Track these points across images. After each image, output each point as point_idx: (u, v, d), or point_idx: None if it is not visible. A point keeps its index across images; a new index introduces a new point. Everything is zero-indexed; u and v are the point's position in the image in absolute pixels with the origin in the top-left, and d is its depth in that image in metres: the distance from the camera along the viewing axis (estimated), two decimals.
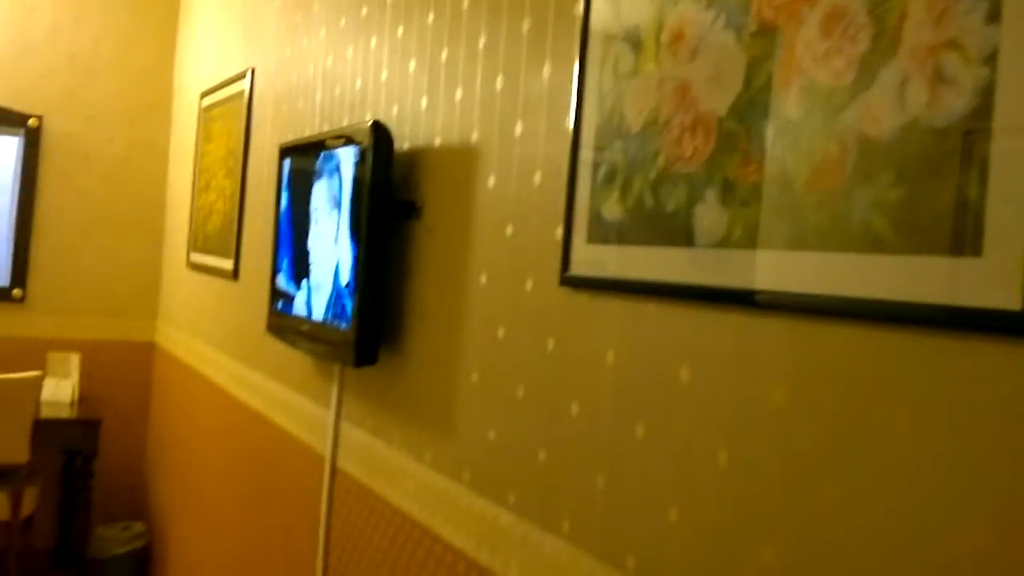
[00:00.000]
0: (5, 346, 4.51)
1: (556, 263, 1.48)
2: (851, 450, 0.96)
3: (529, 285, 1.56)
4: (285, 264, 2.51)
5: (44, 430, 4.01)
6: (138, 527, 4.44)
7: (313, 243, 2.30)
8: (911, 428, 0.89)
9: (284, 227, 2.54)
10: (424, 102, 2.00)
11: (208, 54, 4.18)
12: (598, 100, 1.39)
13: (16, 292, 4.58)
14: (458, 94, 1.85)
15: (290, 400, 2.71)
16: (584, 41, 1.43)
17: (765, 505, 1.06)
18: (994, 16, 0.83)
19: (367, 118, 2.28)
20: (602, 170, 1.37)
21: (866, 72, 0.95)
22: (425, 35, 2.01)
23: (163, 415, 4.57)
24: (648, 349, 1.27)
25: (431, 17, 1.99)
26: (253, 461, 3.06)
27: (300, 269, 2.38)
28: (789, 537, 1.03)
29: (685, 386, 1.20)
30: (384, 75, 2.21)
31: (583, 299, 1.42)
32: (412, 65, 2.06)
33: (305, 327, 2.30)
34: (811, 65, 1.02)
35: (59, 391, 4.41)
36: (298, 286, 2.39)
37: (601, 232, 1.37)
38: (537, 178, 1.56)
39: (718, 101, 1.15)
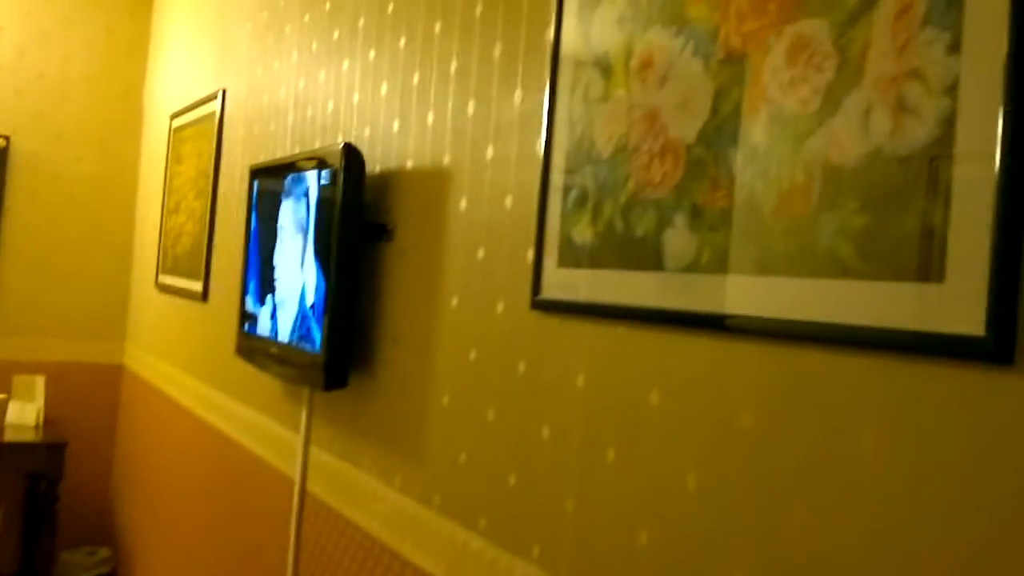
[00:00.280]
0: None
1: (527, 286, 1.48)
2: (819, 474, 0.96)
3: (500, 308, 1.56)
4: (254, 286, 2.50)
5: (8, 454, 3.93)
6: (104, 552, 4.36)
7: (280, 265, 2.29)
8: (878, 452, 0.90)
9: (254, 249, 2.53)
10: (396, 125, 2.00)
11: (179, 74, 4.17)
12: (568, 125, 1.40)
13: None
14: (430, 117, 1.86)
15: (259, 423, 2.69)
16: (555, 67, 1.45)
17: (735, 528, 1.06)
18: (955, 47, 0.84)
19: (339, 140, 2.28)
20: (573, 194, 1.38)
21: (831, 100, 0.96)
22: (397, 59, 2.02)
23: (130, 438, 4.50)
24: (618, 373, 1.27)
25: (403, 41, 1.99)
26: (222, 485, 3.02)
27: (267, 291, 2.36)
28: (759, 560, 1.03)
29: (655, 410, 1.20)
30: (356, 98, 2.21)
31: (554, 322, 1.42)
32: (384, 88, 2.07)
33: (274, 350, 2.28)
34: (777, 93, 1.03)
35: (24, 414, 4.34)
36: (265, 308, 2.37)
37: (572, 256, 1.37)
38: (508, 202, 1.56)
39: (686, 128, 1.16)
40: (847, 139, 0.94)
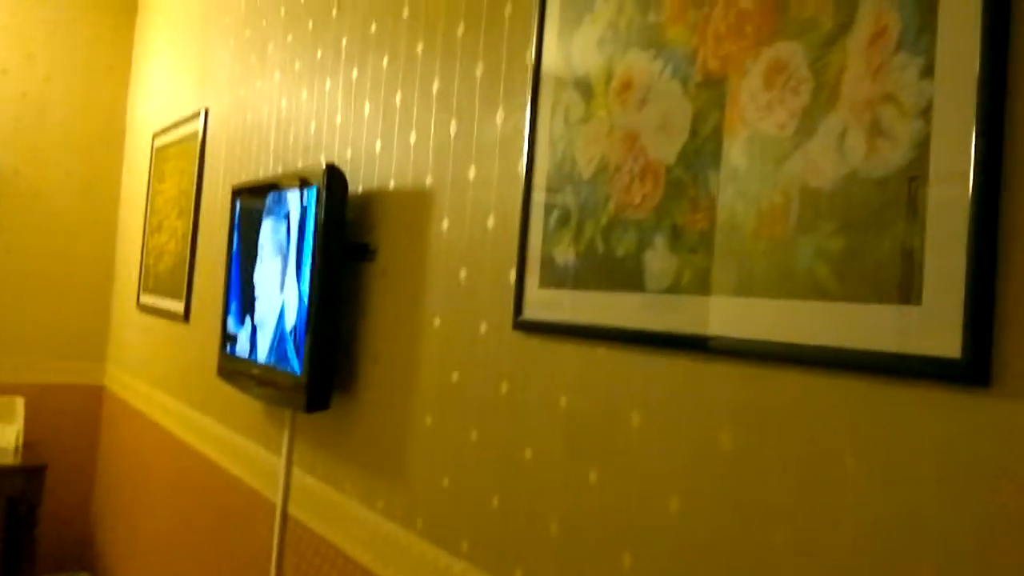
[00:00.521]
0: None
1: (509, 307, 1.48)
2: (800, 496, 0.96)
3: (483, 329, 1.56)
4: (236, 307, 2.48)
5: None
6: None
7: (260, 285, 2.28)
8: (858, 474, 0.90)
9: (235, 269, 2.52)
10: (378, 145, 2.00)
11: (162, 93, 4.16)
12: (550, 146, 1.41)
13: None
14: (412, 138, 1.86)
15: (241, 446, 2.66)
16: (536, 87, 1.45)
17: (718, 550, 1.06)
18: (928, 71, 0.85)
19: (321, 160, 2.27)
20: (554, 215, 1.38)
21: (807, 123, 0.97)
22: (379, 79, 2.02)
23: (111, 461, 4.46)
24: (600, 394, 1.27)
25: (385, 61, 2.00)
26: (203, 508, 2.99)
27: (248, 312, 2.35)
28: None
29: (637, 431, 1.20)
30: (338, 118, 2.21)
31: (536, 343, 1.42)
32: (367, 108, 2.07)
33: (255, 371, 2.27)
34: (755, 116, 1.04)
35: (2, 437, 4.29)
36: (246, 329, 2.36)
37: (553, 276, 1.37)
38: (490, 222, 1.56)
39: (666, 149, 1.17)
40: (824, 162, 0.95)
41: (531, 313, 1.42)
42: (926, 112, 0.85)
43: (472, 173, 1.63)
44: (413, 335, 1.78)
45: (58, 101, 4.68)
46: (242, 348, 2.37)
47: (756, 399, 1.03)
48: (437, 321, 1.70)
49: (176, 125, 3.75)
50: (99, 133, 4.79)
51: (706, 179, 1.10)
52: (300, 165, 2.41)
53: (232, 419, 2.75)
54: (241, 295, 2.44)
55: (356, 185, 2.06)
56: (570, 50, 1.39)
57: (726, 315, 1.06)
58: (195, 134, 3.43)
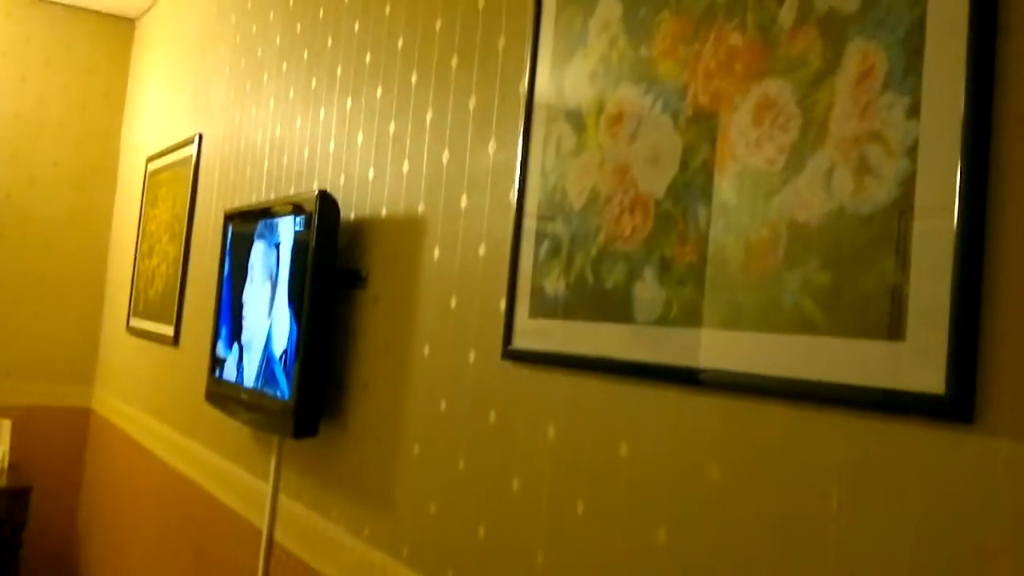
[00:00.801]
0: None
1: (499, 336, 1.48)
2: (786, 530, 0.96)
3: (472, 357, 1.56)
4: (225, 331, 2.48)
5: None
6: None
7: (248, 309, 2.28)
8: (843, 510, 0.91)
9: (226, 294, 2.52)
10: (371, 173, 2.01)
11: (156, 119, 4.17)
12: (541, 177, 1.42)
13: None
14: (405, 166, 1.87)
15: (228, 471, 2.65)
16: (528, 119, 1.47)
17: None
18: (914, 111, 0.87)
19: (314, 187, 2.28)
20: (545, 245, 1.39)
21: (796, 160, 0.98)
22: (373, 108, 2.04)
23: (97, 484, 4.42)
24: (588, 424, 1.27)
25: (379, 91, 2.02)
26: (189, 533, 2.96)
27: (237, 336, 2.35)
28: None
29: (625, 462, 1.20)
30: (332, 146, 2.23)
31: (525, 372, 1.42)
32: (360, 137, 2.08)
33: (243, 396, 2.26)
34: (744, 151, 1.05)
35: None
36: (234, 354, 2.35)
37: (543, 306, 1.38)
38: (481, 251, 1.57)
39: (656, 182, 1.18)
40: (811, 197, 0.96)
41: (520, 342, 1.42)
42: (912, 151, 0.86)
43: (464, 202, 1.64)
44: (403, 362, 1.78)
45: (52, 124, 4.69)
46: (230, 373, 2.36)
47: (744, 432, 1.03)
48: (427, 349, 1.71)
49: (170, 150, 3.76)
50: (92, 157, 4.80)
51: (695, 212, 1.11)
52: (293, 191, 2.42)
53: (219, 444, 2.74)
54: (231, 319, 2.44)
55: (348, 212, 2.07)
56: (562, 83, 1.40)
57: (714, 348, 1.07)
58: (189, 159, 3.44)
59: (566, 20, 1.41)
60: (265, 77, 2.76)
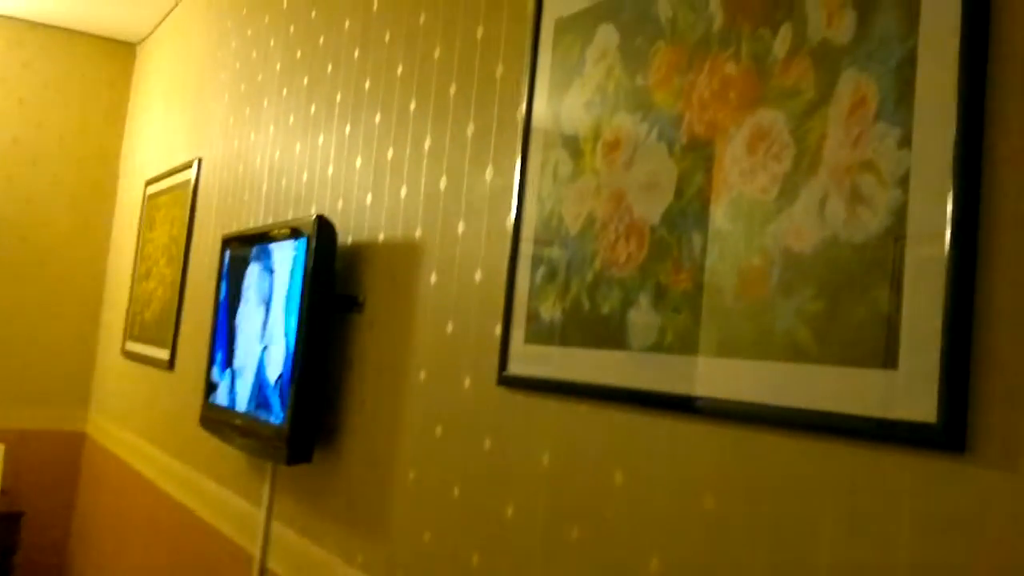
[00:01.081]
0: None
1: (494, 362, 1.48)
2: (778, 561, 0.96)
3: (467, 383, 1.56)
4: (221, 356, 2.48)
5: None
6: None
7: (242, 333, 2.28)
8: (836, 540, 0.90)
9: (222, 318, 2.52)
10: (369, 198, 2.02)
11: (155, 143, 4.19)
12: (538, 202, 1.43)
13: None
14: (403, 192, 1.88)
15: (221, 497, 2.64)
16: (525, 146, 1.48)
17: None
18: (906, 141, 0.88)
19: (312, 211, 2.29)
20: (540, 271, 1.39)
21: (789, 188, 0.99)
22: (372, 134, 2.05)
23: (90, 509, 4.39)
24: (583, 451, 1.27)
25: (378, 117, 2.03)
26: (181, 559, 2.94)
27: (232, 360, 2.34)
28: None
29: (619, 489, 1.20)
30: (330, 170, 2.24)
31: (520, 399, 1.42)
32: (358, 162, 2.10)
33: (238, 421, 2.26)
34: (738, 180, 1.06)
35: None
36: (229, 378, 2.35)
37: (539, 332, 1.38)
38: (478, 276, 1.58)
39: (651, 209, 1.19)
40: (805, 226, 0.97)
41: (516, 368, 1.43)
42: (904, 181, 0.87)
43: (461, 227, 1.65)
44: (398, 388, 1.78)
45: (50, 147, 4.71)
46: (226, 397, 2.36)
47: (736, 461, 1.03)
48: (422, 374, 1.71)
49: (169, 174, 3.77)
50: (91, 180, 4.81)
51: (690, 240, 1.12)
52: (291, 215, 2.43)
53: (213, 470, 2.73)
54: (227, 344, 2.44)
55: (346, 237, 2.07)
56: (559, 110, 1.41)
57: (709, 375, 1.07)
58: (187, 183, 3.46)
59: (563, 49, 1.42)
60: (265, 102, 2.78)
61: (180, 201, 3.53)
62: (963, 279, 0.81)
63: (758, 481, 1.00)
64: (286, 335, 2.01)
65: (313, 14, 2.50)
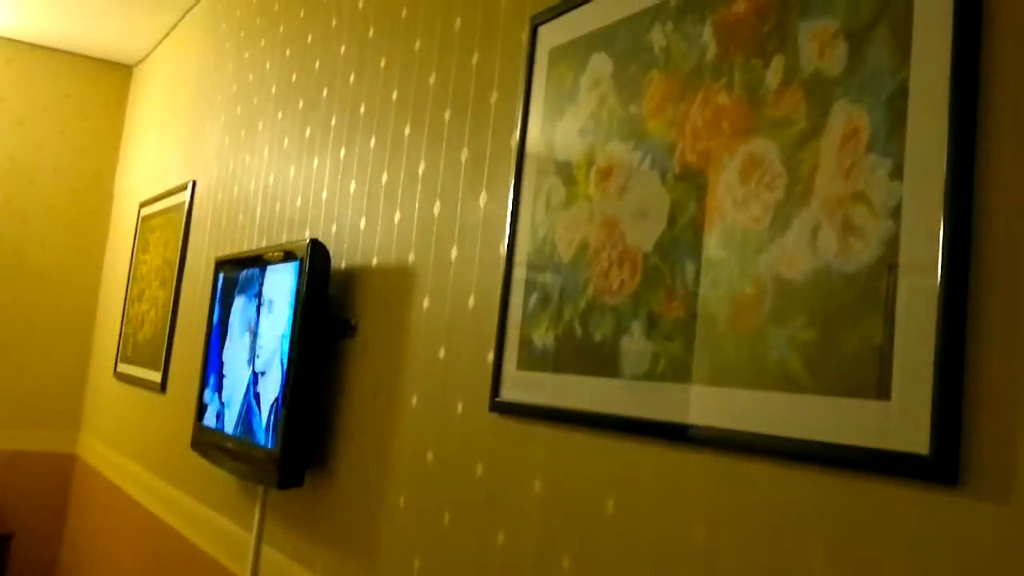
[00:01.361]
0: None
1: (487, 387, 1.48)
2: None
3: (459, 409, 1.56)
4: (213, 379, 2.47)
5: None
6: None
7: (230, 356, 2.27)
8: (827, 569, 0.90)
9: (215, 341, 2.51)
10: (363, 223, 2.02)
11: (150, 165, 4.20)
12: (531, 229, 1.43)
13: None
14: (396, 216, 1.88)
15: (211, 520, 2.61)
16: (519, 172, 1.48)
17: None
18: (897, 172, 0.88)
19: (306, 235, 2.29)
20: (534, 297, 1.39)
21: (781, 218, 0.99)
22: (367, 159, 2.05)
23: (79, 531, 4.35)
24: (575, 479, 1.27)
25: (373, 142, 2.03)
26: None
27: (223, 383, 2.33)
28: None
29: (611, 518, 1.19)
30: (325, 194, 2.24)
31: (512, 425, 1.41)
32: (353, 186, 2.10)
33: (229, 444, 2.24)
34: (731, 208, 1.06)
35: None
36: (221, 401, 2.34)
37: (531, 359, 1.38)
38: (471, 302, 1.57)
39: (644, 237, 1.19)
40: (797, 255, 0.97)
41: (508, 395, 1.42)
42: (895, 212, 0.87)
43: (454, 253, 1.65)
44: (390, 413, 1.77)
45: (46, 168, 4.71)
46: (216, 420, 2.35)
47: (728, 491, 1.03)
48: (414, 399, 1.70)
49: (163, 196, 3.77)
50: (86, 201, 4.81)
51: (683, 268, 1.12)
52: (285, 239, 2.43)
53: (203, 493, 2.71)
54: (219, 367, 2.43)
55: (339, 260, 2.07)
56: (553, 137, 1.42)
57: (701, 403, 1.07)
58: (182, 205, 3.46)
59: (557, 76, 1.43)
60: (260, 125, 2.79)
61: (174, 223, 3.53)
62: (955, 310, 0.81)
63: (750, 511, 0.99)
64: (280, 358, 2.00)
65: (309, 38, 2.51)
